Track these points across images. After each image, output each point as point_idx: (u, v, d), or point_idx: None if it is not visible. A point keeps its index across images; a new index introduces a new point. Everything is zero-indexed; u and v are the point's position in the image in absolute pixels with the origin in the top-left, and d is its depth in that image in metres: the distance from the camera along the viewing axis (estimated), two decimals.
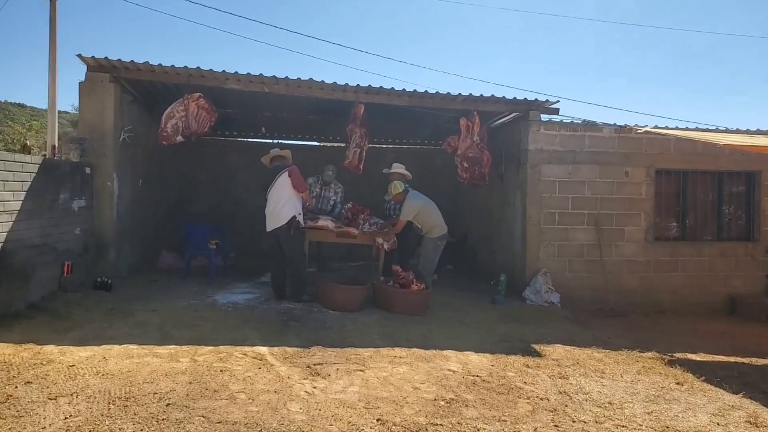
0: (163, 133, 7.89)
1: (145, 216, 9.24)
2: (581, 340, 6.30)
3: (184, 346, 4.96)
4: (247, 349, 5.01)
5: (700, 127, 9.10)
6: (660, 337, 6.82)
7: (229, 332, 5.54)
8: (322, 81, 7.75)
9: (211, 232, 8.66)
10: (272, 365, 4.63)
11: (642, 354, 5.86)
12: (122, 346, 4.89)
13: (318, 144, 13.01)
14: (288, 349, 5.08)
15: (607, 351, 5.87)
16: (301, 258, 7.09)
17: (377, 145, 12.51)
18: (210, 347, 4.98)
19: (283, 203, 6.82)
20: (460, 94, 8.04)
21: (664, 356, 5.80)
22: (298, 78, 7.61)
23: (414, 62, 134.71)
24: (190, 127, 7.95)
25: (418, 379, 4.53)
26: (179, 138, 7.89)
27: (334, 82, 7.81)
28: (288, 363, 4.71)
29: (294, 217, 6.83)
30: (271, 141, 12.21)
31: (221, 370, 4.40)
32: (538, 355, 5.54)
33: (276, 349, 5.06)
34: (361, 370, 4.64)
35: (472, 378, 4.66)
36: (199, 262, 9.13)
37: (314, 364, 4.69)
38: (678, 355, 5.98)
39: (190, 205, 11.80)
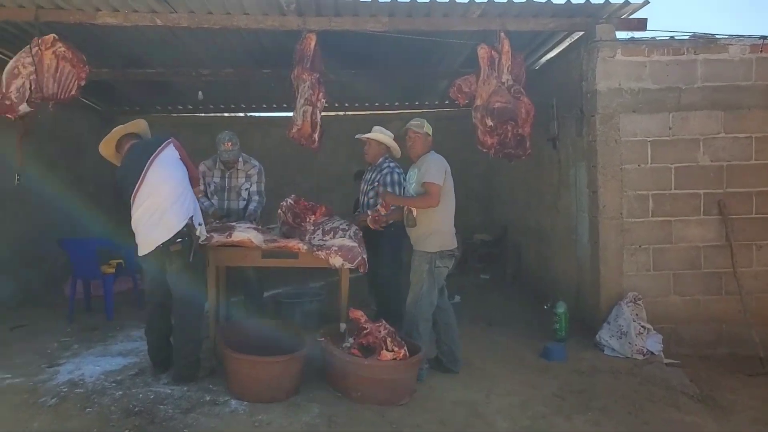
0: (4, 101, 4.98)
1: (39, 225, 6.43)
2: None
3: None
4: None
5: None
6: None
7: None
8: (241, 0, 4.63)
9: (104, 248, 5.71)
10: None
11: None
12: None
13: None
14: None
15: None
16: (200, 299, 4.04)
17: (371, 112, 9.30)
18: None
19: (169, 201, 3.78)
20: (473, 1, 4.72)
21: None
22: None
23: None
24: (45, 89, 5.00)
25: None
26: (24, 107, 4.95)
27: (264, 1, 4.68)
28: None
29: (189, 225, 3.79)
30: (222, 114, 9.30)
31: None
32: None
33: None
34: None
35: None
36: (121, 286, 6.25)
37: None
38: None
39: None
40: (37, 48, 4.92)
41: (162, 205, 3.74)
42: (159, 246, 3.72)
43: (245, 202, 5.10)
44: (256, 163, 5.15)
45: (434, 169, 4.13)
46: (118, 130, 4.19)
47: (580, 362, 4.50)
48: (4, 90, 4.97)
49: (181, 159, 3.94)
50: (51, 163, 6.79)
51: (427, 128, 4.35)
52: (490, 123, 5.08)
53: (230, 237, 4.27)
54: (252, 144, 8.94)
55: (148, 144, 3.97)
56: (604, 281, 4.94)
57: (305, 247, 4.28)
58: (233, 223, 4.44)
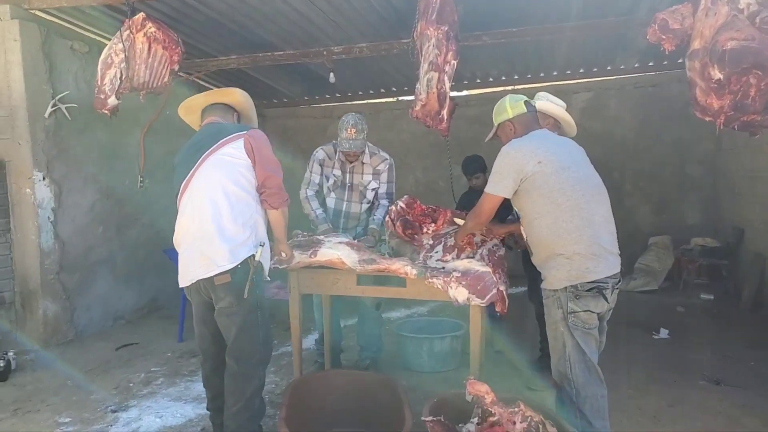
0: (99, 94, 4.44)
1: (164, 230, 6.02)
2: None
3: None
4: None
5: None
6: None
7: None
8: None
9: None
10: None
11: None
12: None
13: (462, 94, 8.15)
14: None
15: None
16: (260, 351, 2.82)
17: (530, 85, 7.26)
18: None
19: (223, 219, 2.66)
20: None
21: None
22: None
23: None
24: (135, 77, 4.35)
25: None
26: (112, 100, 4.34)
27: None
28: None
29: (252, 258, 2.68)
30: (373, 101, 8.08)
31: None
32: None
33: None
34: None
35: None
36: None
37: None
38: None
39: None
40: (128, 31, 4.27)
41: (207, 228, 2.65)
42: (205, 279, 2.65)
43: (368, 206, 3.89)
44: (387, 156, 3.88)
45: (495, 172, 2.59)
46: (198, 99, 3.06)
47: None
48: (99, 82, 4.43)
49: (252, 149, 2.76)
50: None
51: (509, 110, 2.72)
52: (717, 75, 3.14)
53: (315, 255, 3.09)
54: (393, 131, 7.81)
55: (219, 131, 2.86)
56: None
57: (415, 271, 2.92)
58: (321, 237, 3.24)
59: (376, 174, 3.78)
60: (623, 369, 3.84)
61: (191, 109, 3.10)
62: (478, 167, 4.37)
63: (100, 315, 5.20)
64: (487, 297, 2.82)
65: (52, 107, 4.68)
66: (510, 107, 2.70)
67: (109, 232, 5.37)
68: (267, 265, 2.81)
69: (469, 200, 4.39)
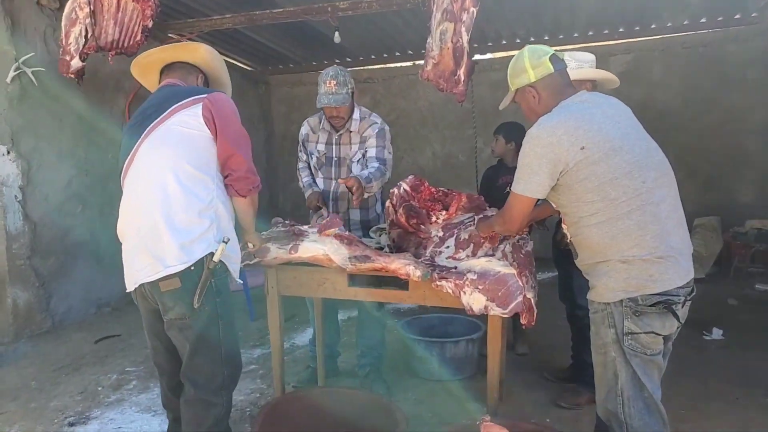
0: (65, 56, 3.88)
1: None
2: None
3: None
4: None
5: None
6: None
7: None
8: None
9: None
10: None
11: None
12: None
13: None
14: None
15: None
16: (225, 369, 2.19)
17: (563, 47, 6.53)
18: None
19: (173, 207, 2.05)
20: None
21: None
22: None
23: None
24: (103, 35, 3.78)
25: None
26: (75, 62, 3.77)
27: None
28: None
29: (210, 256, 2.06)
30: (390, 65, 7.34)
31: None
32: None
33: None
34: None
35: None
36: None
37: None
38: None
39: None
40: None
41: (153, 219, 2.07)
42: (151, 282, 2.09)
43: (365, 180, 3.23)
44: (378, 120, 3.16)
45: (523, 164, 1.93)
46: (153, 56, 2.38)
47: None
48: (63, 42, 3.86)
49: (212, 114, 2.12)
50: None
51: (529, 70, 2.01)
52: None
53: (295, 251, 2.50)
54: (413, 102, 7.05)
55: (172, 95, 2.22)
56: None
57: (419, 271, 2.31)
58: (304, 227, 2.64)
59: (362, 142, 3.10)
60: (673, 381, 3.20)
61: (147, 68, 2.47)
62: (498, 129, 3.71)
63: (80, 302, 4.73)
64: (510, 306, 2.22)
65: (14, 71, 4.12)
66: (530, 66, 2.00)
67: (90, 211, 4.84)
68: (235, 267, 2.24)
69: (495, 174, 3.75)
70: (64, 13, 3.82)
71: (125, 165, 2.21)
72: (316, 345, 3.25)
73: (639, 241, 1.77)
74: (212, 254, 2.07)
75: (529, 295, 2.23)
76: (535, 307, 2.26)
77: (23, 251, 4.22)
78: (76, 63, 3.72)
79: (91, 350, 4.10)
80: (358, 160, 3.13)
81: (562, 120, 1.88)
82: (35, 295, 4.32)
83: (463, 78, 2.98)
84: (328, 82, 2.96)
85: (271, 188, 7.90)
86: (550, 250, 3.09)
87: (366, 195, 2.82)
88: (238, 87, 7.13)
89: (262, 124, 7.80)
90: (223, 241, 2.10)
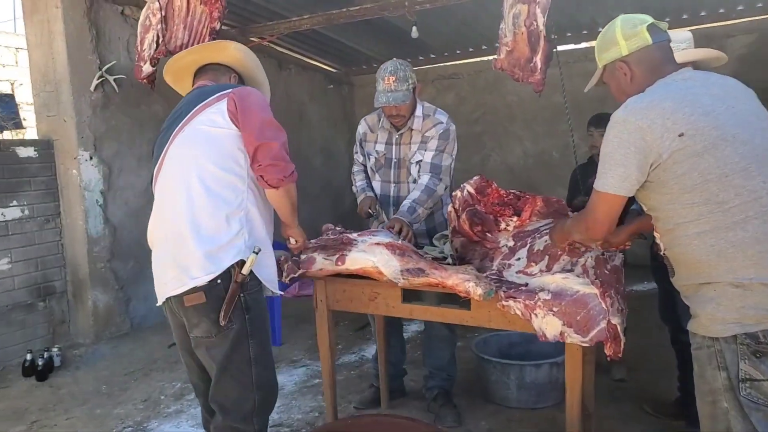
0: (139, 62, 3.90)
1: None
2: None
3: None
4: None
5: None
6: None
7: None
8: None
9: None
10: None
11: None
12: None
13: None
14: None
15: None
16: (256, 395, 1.96)
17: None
18: None
19: (198, 212, 1.87)
20: None
21: None
22: None
23: None
24: (173, 39, 3.74)
25: None
26: (147, 68, 3.76)
27: None
28: None
29: (235, 267, 1.86)
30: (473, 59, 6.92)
31: None
32: None
33: None
34: None
35: None
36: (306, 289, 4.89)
37: None
38: None
39: None
40: None
41: (179, 226, 1.90)
42: (177, 295, 1.92)
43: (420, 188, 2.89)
44: (443, 119, 2.82)
45: (606, 154, 1.53)
46: (183, 59, 2.30)
47: None
48: (138, 48, 3.88)
49: (236, 110, 1.91)
50: None
51: (621, 42, 1.62)
52: None
53: (342, 262, 2.24)
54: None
55: (199, 95, 2.07)
56: None
57: (480, 289, 1.96)
58: (353, 235, 2.36)
59: (423, 142, 2.78)
60: None
61: (179, 74, 2.36)
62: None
63: (159, 306, 4.77)
64: (591, 334, 1.82)
65: (98, 79, 4.22)
66: (622, 37, 1.61)
67: None
68: (272, 279, 2.02)
69: (585, 173, 3.33)
70: (140, 21, 3.82)
71: (155, 171, 2.07)
72: (379, 363, 2.97)
73: (758, 260, 1.34)
74: (241, 264, 1.86)
75: (615, 321, 1.82)
76: (622, 336, 1.83)
77: (104, 254, 4.31)
78: (147, 68, 3.71)
79: (164, 355, 4.10)
80: (417, 161, 2.82)
81: (657, 100, 1.47)
82: (115, 298, 4.40)
83: (540, 65, 2.58)
84: (386, 78, 2.69)
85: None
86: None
87: (417, 223, 2.65)
88: (321, 89, 7.17)
89: (345, 126, 7.68)
90: (254, 252, 1.88)
